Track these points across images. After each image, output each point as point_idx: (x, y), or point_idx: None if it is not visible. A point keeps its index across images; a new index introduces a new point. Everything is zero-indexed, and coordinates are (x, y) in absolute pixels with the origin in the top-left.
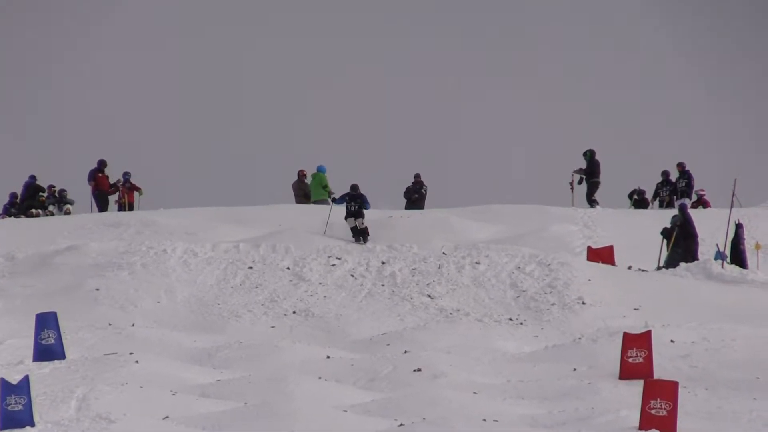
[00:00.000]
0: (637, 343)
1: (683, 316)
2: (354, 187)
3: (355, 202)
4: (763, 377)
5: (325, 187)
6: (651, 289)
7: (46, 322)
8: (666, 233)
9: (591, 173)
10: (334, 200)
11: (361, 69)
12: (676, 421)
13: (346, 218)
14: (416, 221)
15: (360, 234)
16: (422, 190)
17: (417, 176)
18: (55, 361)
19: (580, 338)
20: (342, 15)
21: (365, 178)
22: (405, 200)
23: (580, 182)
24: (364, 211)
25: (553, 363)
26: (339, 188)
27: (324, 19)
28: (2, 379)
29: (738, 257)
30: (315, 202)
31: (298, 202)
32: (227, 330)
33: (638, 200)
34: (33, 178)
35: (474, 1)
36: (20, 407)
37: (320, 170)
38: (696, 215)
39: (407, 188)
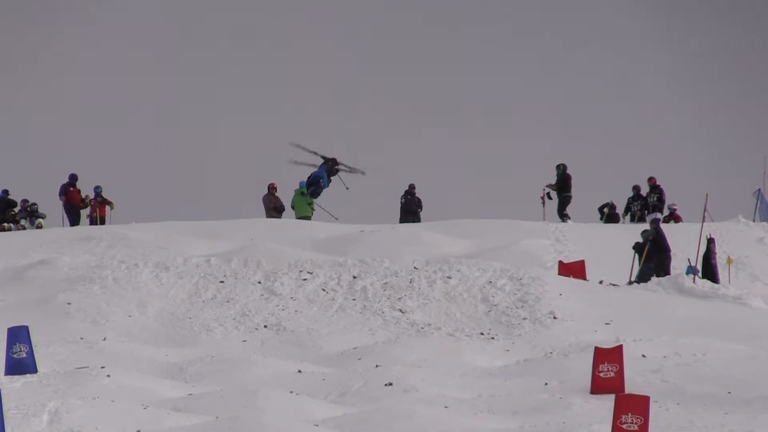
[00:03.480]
0: (609, 357)
1: (655, 331)
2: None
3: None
4: (735, 392)
5: (310, 203)
6: (622, 303)
7: (18, 336)
8: (638, 248)
9: (562, 187)
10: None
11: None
12: None
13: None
14: (387, 235)
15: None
16: (421, 206)
17: (412, 187)
18: (27, 375)
19: (551, 353)
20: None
21: (333, 191)
22: (401, 211)
23: (551, 197)
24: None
25: (525, 377)
26: (325, 203)
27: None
28: None
29: (710, 272)
30: (300, 218)
31: (268, 215)
32: (199, 344)
33: (609, 214)
34: (5, 192)
35: (439, 15)
36: None
37: (303, 186)
38: (668, 230)
39: (407, 199)
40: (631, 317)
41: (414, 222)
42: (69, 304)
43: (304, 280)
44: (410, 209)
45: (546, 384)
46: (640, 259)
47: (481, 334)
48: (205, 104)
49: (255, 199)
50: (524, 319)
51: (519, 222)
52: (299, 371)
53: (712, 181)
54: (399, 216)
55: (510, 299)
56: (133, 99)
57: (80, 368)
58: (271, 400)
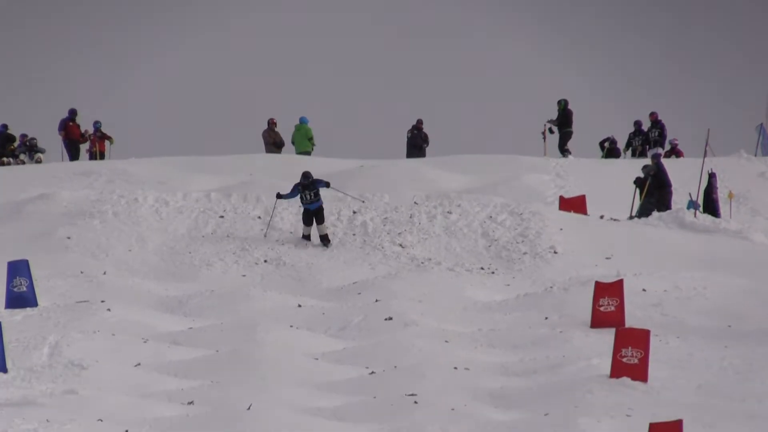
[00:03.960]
0: (609, 291)
1: (655, 265)
2: (306, 175)
3: (310, 191)
4: (735, 325)
5: (310, 138)
6: (623, 238)
7: (18, 270)
8: (638, 182)
9: (563, 123)
10: (279, 196)
11: (336, 15)
12: (648, 369)
13: (304, 223)
14: (387, 171)
15: (322, 240)
16: (428, 140)
17: (420, 122)
18: (27, 309)
19: (551, 287)
20: None
21: (337, 128)
22: (407, 145)
23: (552, 132)
24: (322, 195)
25: (525, 312)
26: (319, 141)
27: None
28: None
29: (711, 206)
30: (300, 154)
31: (268, 151)
32: (198, 278)
33: (610, 149)
34: (4, 127)
35: None
36: None
37: (303, 121)
38: (669, 165)
39: (413, 134)
40: (631, 252)
41: (420, 157)
42: (69, 238)
43: None
44: (416, 144)
45: (546, 318)
46: (640, 194)
47: (482, 268)
48: (205, 38)
49: (254, 134)
50: (524, 253)
51: (520, 157)
52: (299, 305)
53: (714, 116)
54: (405, 151)
55: (510, 234)
56: (133, 35)
57: (80, 302)
58: (271, 334)
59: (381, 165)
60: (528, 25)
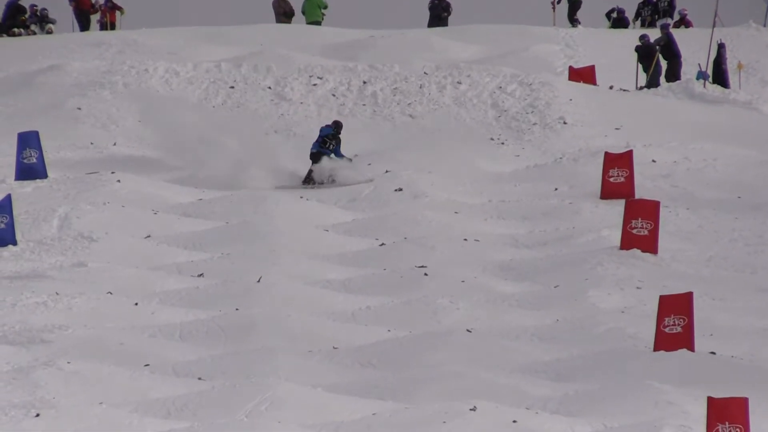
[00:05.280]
0: (619, 162)
1: (665, 136)
2: (338, 124)
3: (332, 142)
4: (745, 197)
5: (324, 8)
6: (633, 108)
7: (28, 141)
8: (639, 50)
9: None
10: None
11: None
12: (658, 240)
13: (311, 158)
14: (397, 41)
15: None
16: (450, 9)
17: None
18: (37, 180)
19: (561, 158)
20: None
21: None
22: (429, 15)
23: (560, 1)
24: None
25: (534, 183)
26: (335, 7)
27: None
28: None
29: (720, 77)
30: (310, 24)
31: (278, 21)
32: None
33: (617, 19)
34: None
35: None
36: (2, 225)
37: None
38: (678, 35)
39: (434, 3)
40: (641, 122)
41: (442, 26)
42: (79, 109)
43: (314, 85)
44: (437, 14)
45: (556, 189)
46: (642, 62)
47: (491, 139)
48: None
49: (265, 3)
50: (534, 124)
51: (529, 27)
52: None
53: None
54: (427, 21)
55: (520, 104)
56: None
57: (90, 173)
58: (281, 206)
59: (391, 35)
60: None
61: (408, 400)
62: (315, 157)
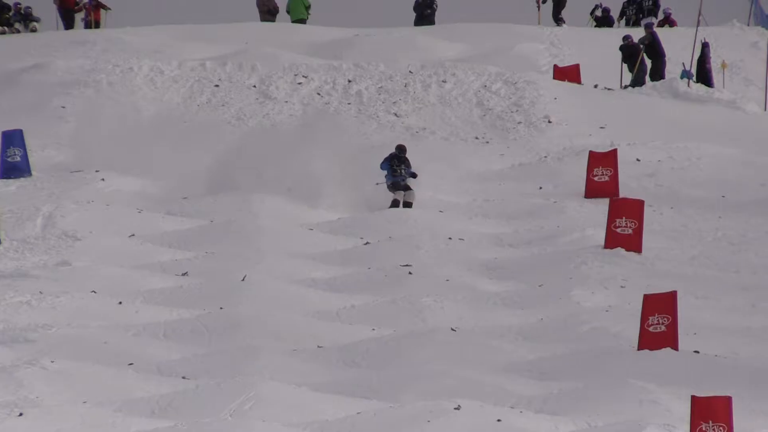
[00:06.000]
0: (603, 161)
1: (649, 135)
2: (401, 148)
3: (401, 166)
4: (729, 196)
5: (308, 7)
6: (617, 107)
7: (12, 139)
8: (623, 49)
9: None
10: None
11: None
12: (642, 239)
13: (392, 189)
14: (382, 40)
15: (405, 205)
16: (434, 5)
17: None
18: (21, 179)
19: (545, 157)
20: None
21: None
22: (414, 14)
23: (545, 1)
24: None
25: (519, 181)
26: (320, 6)
27: None
28: None
29: (704, 76)
30: (295, 22)
31: (263, 19)
32: None
33: (603, 17)
34: None
35: None
36: None
37: None
38: (662, 34)
39: (417, 2)
40: (625, 121)
41: (427, 25)
42: (63, 107)
43: (299, 84)
44: (422, 12)
45: (540, 188)
46: (626, 62)
47: (476, 138)
48: None
49: (249, 1)
50: (519, 123)
51: (514, 26)
52: None
53: None
54: (414, 19)
55: (505, 103)
56: None
57: (74, 172)
58: (266, 204)
59: (376, 33)
60: None
61: (392, 399)
62: (395, 186)
